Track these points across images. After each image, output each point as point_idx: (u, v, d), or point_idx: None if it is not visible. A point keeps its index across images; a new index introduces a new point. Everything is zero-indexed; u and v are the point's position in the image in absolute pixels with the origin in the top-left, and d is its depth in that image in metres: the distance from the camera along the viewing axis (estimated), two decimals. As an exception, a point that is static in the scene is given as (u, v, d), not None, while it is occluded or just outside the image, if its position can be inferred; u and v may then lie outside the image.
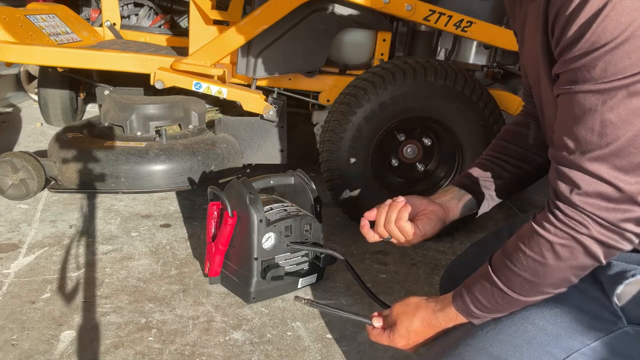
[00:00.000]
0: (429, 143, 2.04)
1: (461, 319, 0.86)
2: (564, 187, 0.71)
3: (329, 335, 1.46)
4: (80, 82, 3.12)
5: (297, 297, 1.17)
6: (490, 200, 1.06)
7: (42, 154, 2.19)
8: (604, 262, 0.72)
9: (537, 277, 0.76)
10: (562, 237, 0.71)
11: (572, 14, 0.63)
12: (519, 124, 1.08)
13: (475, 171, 1.07)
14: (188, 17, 2.43)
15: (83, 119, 3.20)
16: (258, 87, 2.20)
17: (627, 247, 0.70)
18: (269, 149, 2.23)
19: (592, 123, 0.66)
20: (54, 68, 2.67)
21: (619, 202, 0.67)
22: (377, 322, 0.97)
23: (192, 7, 2.26)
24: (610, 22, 0.61)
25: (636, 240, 0.70)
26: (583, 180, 0.69)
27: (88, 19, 3.36)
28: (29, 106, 3.66)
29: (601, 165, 0.67)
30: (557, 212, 0.72)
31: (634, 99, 0.63)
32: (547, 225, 0.73)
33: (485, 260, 0.85)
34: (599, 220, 0.69)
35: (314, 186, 1.66)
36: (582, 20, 0.63)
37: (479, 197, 1.05)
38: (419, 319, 0.89)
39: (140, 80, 2.32)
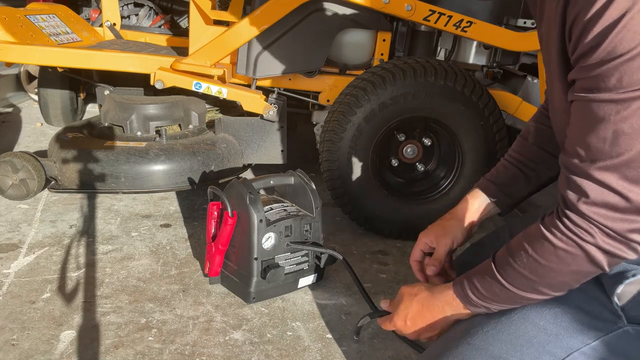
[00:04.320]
0: (429, 143, 2.04)
1: (457, 304, 0.87)
2: (572, 195, 0.71)
3: (329, 335, 1.46)
4: (80, 82, 3.11)
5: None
6: (512, 203, 1.09)
7: (42, 154, 2.19)
8: (607, 270, 0.72)
9: (536, 275, 0.76)
10: (567, 244, 0.72)
11: (591, 21, 0.62)
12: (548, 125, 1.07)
13: (501, 176, 1.09)
14: (188, 17, 2.43)
15: (83, 119, 3.20)
16: (258, 87, 2.20)
17: (632, 256, 0.70)
18: (269, 149, 2.23)
19: (605, 132, 0.65)
20: (54, 68, 2.67)
21: (627, 213, 0.67)
22: (384, 305, 1.01)
23: (192, 7, 2.26)
24: (627, 33, 0.60)
25: None
26: (591, 189, 0.68)
27: (88, 19, 3.37)
28: (29, 106, 3.66)
29: (611, 175, 0.67)
30: (565, 220, 0.72)
31: None
32: (554, 230, 0.74)
33: (485, 258, 0.85)
34: (605, 229, 0.69)
35: (314, 186, 1.66)
36: (599, 28, 0.62)
37: (500, 203, 1.08)
38: (417, 300, 0.92)
39: (140, 80, 2.32)
